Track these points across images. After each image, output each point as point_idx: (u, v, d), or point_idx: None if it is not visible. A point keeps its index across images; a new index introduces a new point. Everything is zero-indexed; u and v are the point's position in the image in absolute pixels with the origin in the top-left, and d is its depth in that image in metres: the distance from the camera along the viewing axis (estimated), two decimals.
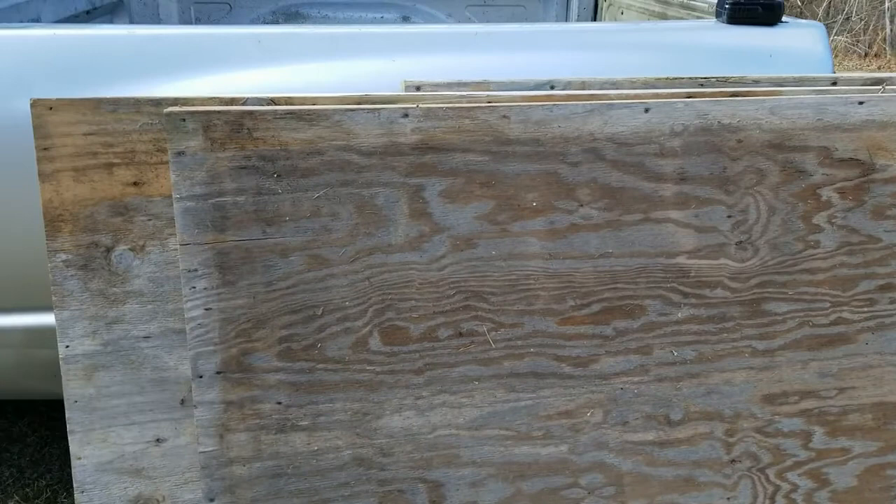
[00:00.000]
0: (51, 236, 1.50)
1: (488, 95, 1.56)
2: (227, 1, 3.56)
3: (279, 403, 1.51)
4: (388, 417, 1.55)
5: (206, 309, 1.46)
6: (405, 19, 3.56)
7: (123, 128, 1.48)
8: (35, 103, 1.45)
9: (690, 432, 1.66)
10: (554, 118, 1.49)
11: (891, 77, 1.74)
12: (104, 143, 1.48)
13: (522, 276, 1.55)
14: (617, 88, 1.71)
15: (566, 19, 3.76)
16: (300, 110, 1.42)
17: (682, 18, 2.79)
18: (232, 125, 1.41)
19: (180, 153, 1.40)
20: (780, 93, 1.65)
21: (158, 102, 1.48)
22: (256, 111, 1.41)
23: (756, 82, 1.73)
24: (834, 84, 1.76)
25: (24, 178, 1.61)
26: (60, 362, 1.54)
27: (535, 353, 1.58)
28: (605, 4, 3.57)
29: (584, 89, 1.70)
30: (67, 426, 1.55)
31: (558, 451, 1.63)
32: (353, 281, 1.50)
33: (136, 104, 1.48)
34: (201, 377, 1.47)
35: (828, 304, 1.65)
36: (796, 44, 1.94)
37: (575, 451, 1.63)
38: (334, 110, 1.43)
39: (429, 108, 1.46)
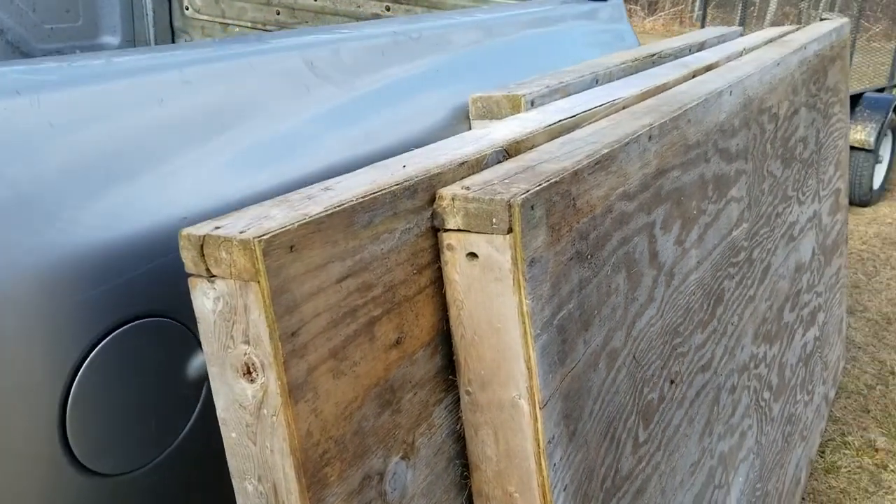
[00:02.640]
0: (318, 500, 0.73)
1: (625, 100, 1.30)
2: None
3: None
4: None
5: (564, 489, 0.93)
6: None
7: (380, 249, 0.79)
8: (268, 249, 0.66)
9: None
10: (706, 113, 1.34)
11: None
12: (362, 287, 0.77)
13: (689, 293, 1.38)
14: (629, 70, 1.59)
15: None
16: (602, 157, 0.98)
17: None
18: (565, 198, 0.90)
19: (533, 262, 0.84)
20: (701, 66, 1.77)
21: (413, 190, 0.82)
22: (579, 169, 0.92)
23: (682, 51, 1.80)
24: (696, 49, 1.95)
25: None
26: None
27: (700, 369, 1.45)
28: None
29: (615, 79, 1.53)
30: None
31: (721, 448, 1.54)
32: (630, 368, 1.13)
33: (393, 201, 0.79)
34: None
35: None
36: (617, 15, 2.05)
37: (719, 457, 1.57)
38: (619, 148, 1.03)
39: (662, 125, 1.16)
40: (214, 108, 0.95)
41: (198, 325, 0.73)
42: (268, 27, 2.75)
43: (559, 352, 0.90)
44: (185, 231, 0.70)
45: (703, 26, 7.85)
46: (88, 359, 0.79)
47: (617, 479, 1.09)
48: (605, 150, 0.99)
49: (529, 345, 0.84)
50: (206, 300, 0.71)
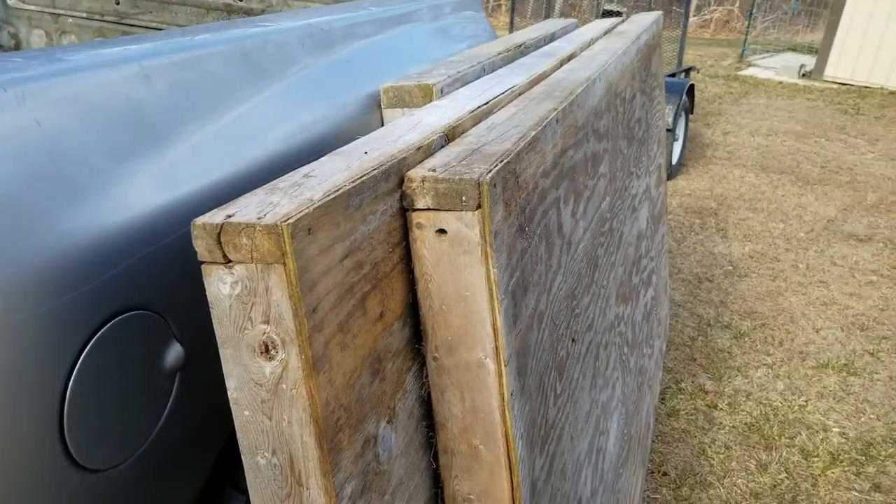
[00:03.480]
0: (334, 464, 0.78)
1: (521, 86, 1.41)
2: None
3: None
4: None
5: (521, 437, 1.03)
6: None
7: (367, 230, 0.85)
8: (294, 232, 0.71)
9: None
10: (588, 97, 1.49)
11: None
12: (357, 266, 0.83)
13: (579, 261, 1.53)
14: (507, 59, 1.71)
15: None
16: (532, 139, 1.09)
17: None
18: (512, 176, 1.00)
19: (496, 234, 0.93)
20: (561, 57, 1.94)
21: (388, 174, 0.89)
22: (519, 150, 1.02)
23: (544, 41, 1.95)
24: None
25: None
26: None
27: (587, 328, 1.60)
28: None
29: (497, 68, 1.65)
30: None
31: (613, 393, 1.71)
32: (549, 328, 1.25)
33: (374, 184, 0.86)
34: None
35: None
36: (476, 7, 2.18)
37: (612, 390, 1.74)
38: (541, 130, 1.14)
39: (564, 109, 1.28)
40: (180, 101, 0.96)
41: (210, 310, 0.75)
42: (105, 18, 2.63)
43: (513, 315, 1.00)
44: (200, 220, 0.73)
45: (511, 16, 8.25)
46: (81, 357, 0.79)
47: (546, 428, 1.22)
48: (533, 133, 1.10)
49: (496, 309, 0.93)
50: (222, 286, 0.74)
